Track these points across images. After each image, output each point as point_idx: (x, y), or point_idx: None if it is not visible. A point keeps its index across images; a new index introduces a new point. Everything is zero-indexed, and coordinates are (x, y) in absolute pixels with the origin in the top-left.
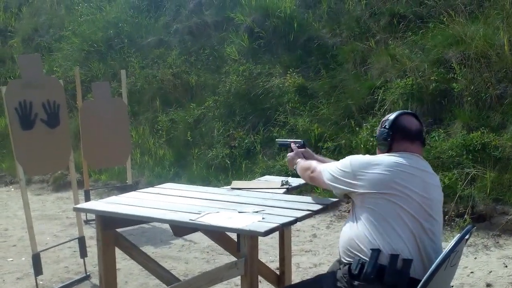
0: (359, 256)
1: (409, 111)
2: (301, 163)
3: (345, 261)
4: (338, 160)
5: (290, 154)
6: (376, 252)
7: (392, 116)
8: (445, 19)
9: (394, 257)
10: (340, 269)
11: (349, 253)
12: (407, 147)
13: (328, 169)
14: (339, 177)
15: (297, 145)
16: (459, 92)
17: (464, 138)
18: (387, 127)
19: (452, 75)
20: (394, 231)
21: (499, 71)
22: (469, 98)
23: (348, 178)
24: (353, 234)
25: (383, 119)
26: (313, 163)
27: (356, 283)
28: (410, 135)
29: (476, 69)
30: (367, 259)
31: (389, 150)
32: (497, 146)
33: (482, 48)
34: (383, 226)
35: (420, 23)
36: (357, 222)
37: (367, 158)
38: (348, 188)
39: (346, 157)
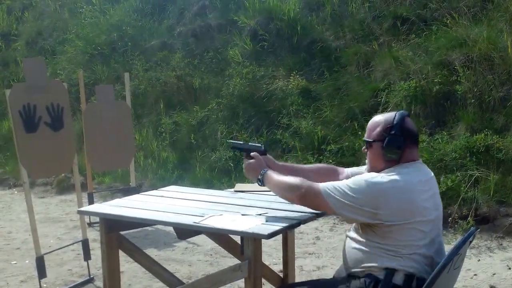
0: (372, 273)
1: (402, 110)
2: (276, 177)
3: (355, 274)
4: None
5: (250, 162)
6: (391, 271)
7: (396, 118)
8: (448, 22)
9: (409, 277)
10: (348, 281)
11: (360, 268)
12: (415, 154)
13: (332, 192)
14: (352, 203)
15: (255, 150)
16: (462, 95)
17: (468, 140)
18: (397, 133)
19: (456, 78)
20: (411, 254)
21: (502, 73)
22: (472, 100)
23: (365, 207)
24: (365, 254)
25: (381, 122)
26: (299, 180)
27: None
28: (417, 140)
29: (480, 72)
30: (381, 277)
31: (399, 159)
32: (501, 148)
33: (485, 50)
34: (399, 249)
35: (424, 26)
36: (369, 241)
37: (386, 181)
38: (364, 219)
39: (358, 178)
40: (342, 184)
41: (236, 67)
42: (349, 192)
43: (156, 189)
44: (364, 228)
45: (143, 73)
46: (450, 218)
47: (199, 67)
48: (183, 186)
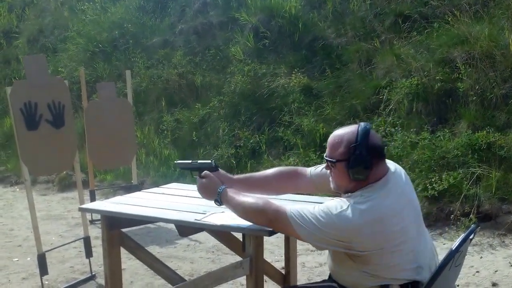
0: None
1: (364, 123)
2: (236, 198)
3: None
4: None
5: (203, 182)
6: (385, 286)
7: (359, 135)
8: (450, 19)
9: (404, 286)
10: None
11: (352, 285)
12: (383, 167)
13: (301, 222)
14: (322, 236)
15: (205, 167)
16: (464, 92)
17: (470, 137)
18: (363, 152)
19: (457, 75)
20: (399, 272)
21: (504, 70)
22: (474, 98)
23: (337, 239)
24: (352, 278)
25: (343, 140)
26: (262, 203)
27: None
28: (383, 152)
29: (481, 69)
30: None
31: (366, 178)
32: (503, 146)
33: (487, 47)
34: (384, 273)
35: (425, 23)
36: (351, 268)
37: (357, 217)
38: (338, 249)
39: (326, 211)
40: (309, 214)
41: (237, 65)
42: (318, 225)
43: (158, 187)
44: (341, 256)
45: (145, 71)
46: (452, 216)
47: (201, 64)
48: (184, 183)
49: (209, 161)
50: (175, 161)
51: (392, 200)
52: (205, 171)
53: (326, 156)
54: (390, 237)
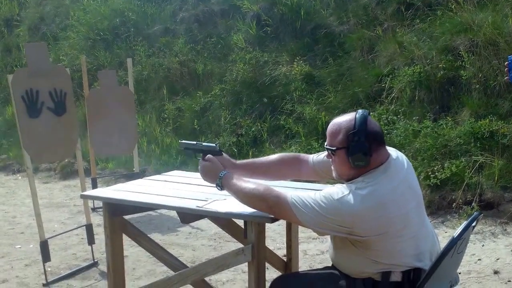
0: (368, 276)
1: (362, 111)
2: (237, 183)
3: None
4: None
5: (205, 165)
6: (386, 274)
7: (357, 122)
8: (453, 7)
9: (406, 273)
10: (348, 280)
11: (355, 275)
12: (384, 153)
13: (302, 208)
14: (324, 222)
15: (209, 150)
16: (467, 80)
17: (472, 125)
18: (362, 139)
19: (460, 63)
20: (402, 258)
21: (506, 59)
22: (477, 86)
23: (338, 225)
24: (354, 263)
25: (342, 127)
26: (263, 188)
27: None
28: (383, 138)
29: (485, 57)
30: (379, 279)
31: (367, 165)
32: (506, 134)
33: (490, 35)
34: (386, 259)
35: (428, 11)
36: (353, 253)
37: (358, 202)
38: (340, 234)
39: (328, 197)
40: (311, 199)
41: (239, 53)
42: (319, 211)
43: (160, 175)
44: (343, 241)
45: (146, 59)
46: (455, 204)
47: (202, 52)
48: (186, 171)
49: (214, 145)
50: (179, 140)
51: (394, 186)
52: (209, 155)
53: (326, 145)
54: (392, 222)
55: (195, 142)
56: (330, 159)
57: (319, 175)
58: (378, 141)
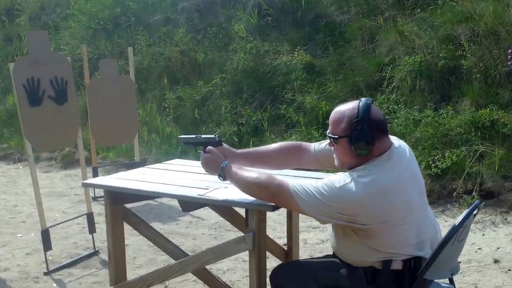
0: (369, 264)
1: (365, 99)
2: (239, 173)
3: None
4: None
5: (206, 156)
6: (387, 262)
7: (360, 111)
8: None
9: (407, 261)
10: (349, 268)
11: (356, 263)
12: (387, 142)
13: (304, 196)
14: (326, 210)
15: (209, 142)
16: (468, 69)
17: (473, 115)
18: (365, 127)
19: (461, 52)
20: (404, 246)
21: (508, 47)
22: (478, 75)
23: (340, 213)
24: (354, 252)
25: (345, 115)
26: (265, 177)
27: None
28: (386, 127)
29: (485, 46)
30: (380, 267)
31: (369, 153)
32: (506, 123)
33: (491, 25)
34: (387, 248)
35: (429, 0)
36: (354, 242)
37: (360, 190)
38: (342, 222)
39: (330, 185)
40: (313, 188)
41: (240, 42)
42: (321, 199)
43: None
44: (346, 228)
45: (147, 48)
46: (455, 193)
47: (203, 42)
48: (187, 160)
49: (213, 136)
50: (178, 136)
51: (396, 173)
52: (209, 147)
53: (328, 133)
54: (394, 210)
55: (194, 136)
56: (332, 148)
57: (320, 164)
58: (381, 130)
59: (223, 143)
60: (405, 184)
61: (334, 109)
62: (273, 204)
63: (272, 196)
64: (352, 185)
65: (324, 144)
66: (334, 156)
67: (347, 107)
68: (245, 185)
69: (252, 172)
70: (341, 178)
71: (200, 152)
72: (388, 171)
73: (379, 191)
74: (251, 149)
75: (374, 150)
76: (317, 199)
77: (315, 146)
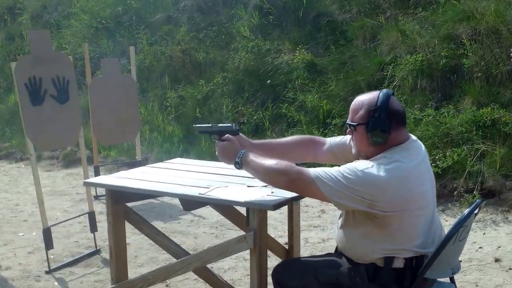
0: (372, 261)
1: (386, 90)
2: (257, 160)
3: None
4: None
5: (224, 144)
6: (389, 260)
7: (379, 100)
8: None
9: (409, 260)
10: (351, 264)
11: (358, 255)
12: (404, 134)
13: (326, 179)
14: (348, 193)
15: (226, 131)
16: (469, 68)
17: (474, 114)
18: (382, 116)
19: (463, 51)
20: (410, 242)
21: (510, 46)
22: (479, 74)
23: (362, 197)
24: (363, 244)
25: (364, 104)
26: (285, 164)
27: (372, 285)
28: (404, 119)
29: (487, 45)
30: (381, 265)
31: (386, 142)
32: (507, 122)
33: (493, 23)
34: (398, 238)
35: None
36: (365, 233)
37: (383, 174)
38: (362, 207)
39: (352, 168)
40: (335, 171)
41: (241, 41)
42: (344, 182)
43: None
44: (360, 217)
45: (148, 47)
46: (456, 192)
47: (204, 41)
48: (188, 159)
49: (230, 125)
50: (194, 125)
51: (417, 162)
52: (227, 135)
53: (348, 121)
54: (413, 198)
55: (210, 125)
56: (351, 136)
57: (337, 158)
58: (398, 120)
59: (240, 133)
60: (422, 174)
61: (355, 98)
62: (291, 191)
63: (292, 181)
64: (375, 169)
65: (340, 137)
66: (352, 144)
67: (367, 97)
68: (264, 171)
69: (271, 160)
70: (363, 164)
71: (215, 141)
72: (408, 160)
73: (400, 176)
74: (267, 140)
75: (390, 139)
76: (340, 182)
77: (330, 140)
